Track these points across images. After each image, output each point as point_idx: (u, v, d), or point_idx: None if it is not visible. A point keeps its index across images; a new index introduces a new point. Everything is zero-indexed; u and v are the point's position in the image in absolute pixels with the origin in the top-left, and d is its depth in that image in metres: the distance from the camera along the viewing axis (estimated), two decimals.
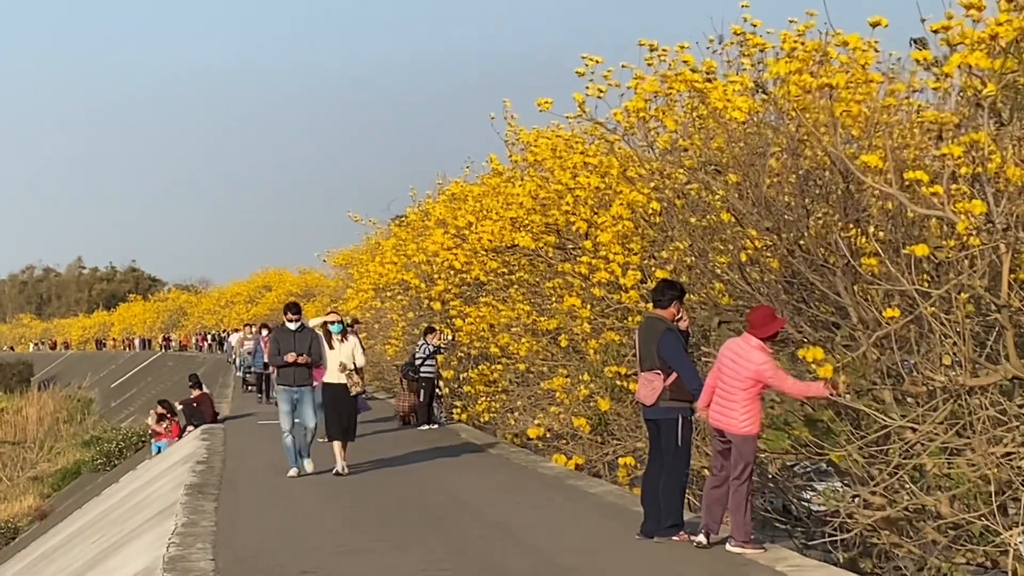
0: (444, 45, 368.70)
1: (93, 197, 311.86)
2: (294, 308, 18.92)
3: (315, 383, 25.40)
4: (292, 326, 18.53)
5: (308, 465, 18.46)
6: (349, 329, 19.48)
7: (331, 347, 18.51)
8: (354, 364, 18.64)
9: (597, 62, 16.70)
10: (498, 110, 22.30)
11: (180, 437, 31.02)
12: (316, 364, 18.55)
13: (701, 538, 11.84)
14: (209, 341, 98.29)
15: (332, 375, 18.55)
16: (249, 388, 39.70)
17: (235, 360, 48.65)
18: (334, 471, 18.22)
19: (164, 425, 32.30)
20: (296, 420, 18.37)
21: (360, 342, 19.89)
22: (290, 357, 18.14)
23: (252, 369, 39.00)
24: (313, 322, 19.04)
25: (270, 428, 26.96)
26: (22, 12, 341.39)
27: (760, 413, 11.82)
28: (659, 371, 12.22)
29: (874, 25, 12.79)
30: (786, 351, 14.30)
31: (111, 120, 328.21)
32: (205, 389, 32.09)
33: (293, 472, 18.26)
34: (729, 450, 11.66)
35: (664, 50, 16.36)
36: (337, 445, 18.45)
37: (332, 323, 18.82)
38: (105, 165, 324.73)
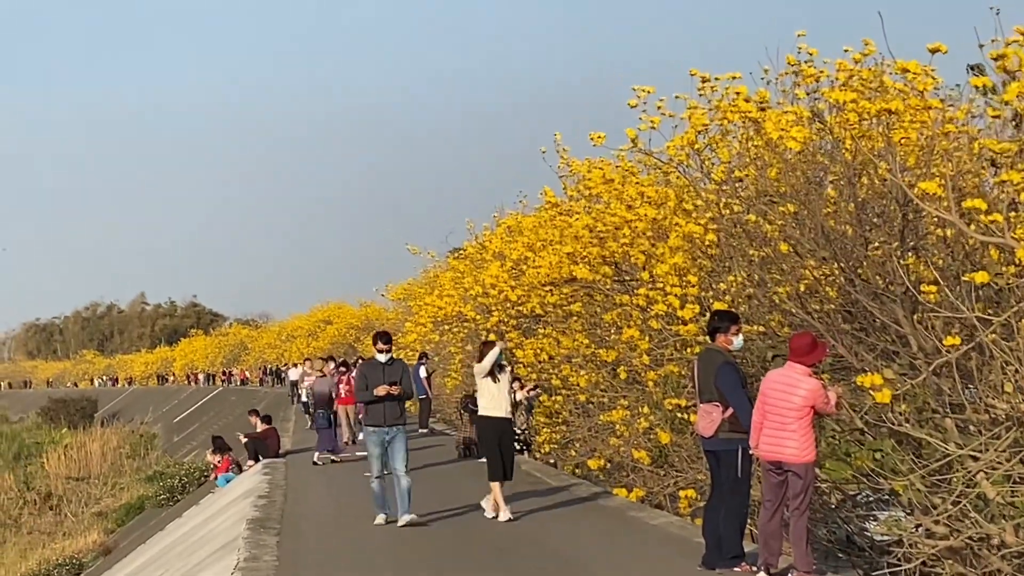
0: (499, 73, 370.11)
1: (155, 234, 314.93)
2: (385, 338, 17.03)
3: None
4: (382, 358, 16.72)
5: (405, 519, 16.32)
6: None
7: (495, 379, 16.78)
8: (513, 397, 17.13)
9: (648, 92, 16.71)
10: (557, 134, 22.41)
11: (228, 471, 31.52)
12: (408, 398, 16.91)
13: (762, 575, 11.78)
14: (268, 375, 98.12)
15: (496, 407, 16.82)
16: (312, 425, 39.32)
17: (299, 395, 48.54)
18: (495, 516, 16.72)
19: (217, 459, 32.71)
20: (386, 471, 16.67)
21: None
22: (381, 390, 16.33)
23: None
24: (494, 354, 16.79)
25: (331, 462, 27.14)
26: (63, 48, 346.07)
27: (815, 439, 11.79)
28: (717, 403, 12.23)
29: (934, 52, 12.76)
30: (846, 381, 14.24)
31: (171, 155, 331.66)
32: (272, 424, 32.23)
33: (380, 519, 16.62)
34: (783, 482, 11.61)
35: (718, 78, 16.37)
36: (497, 487, 16.74)
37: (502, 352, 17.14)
38: (166, 201, 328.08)
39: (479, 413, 17.27)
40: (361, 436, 26.45)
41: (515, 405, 17.45)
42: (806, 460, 11.55)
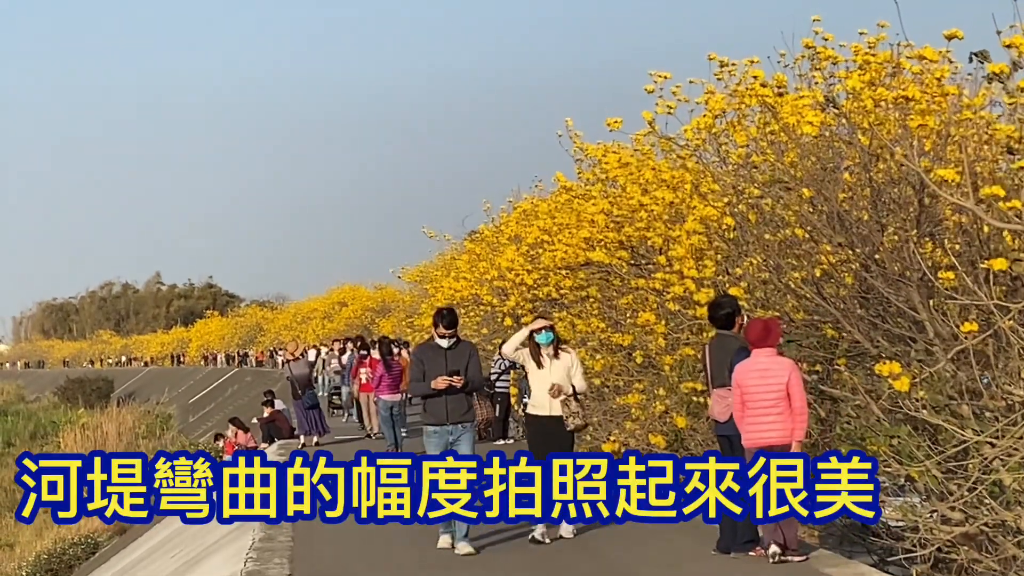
0: (517, 58, 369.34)
1: (171, 214, 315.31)
2: (449, 319, 13.79)
3: (392, 395, 24.75)
4: (444, 343, 13.68)
5: (464, 548, 13.26)
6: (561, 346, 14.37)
7: (539, 365, 13.94)
8: (572, 388, 13.91)
9: (666, 78, 16.72)
10: (569, 120, 22.44)
11: (234, 456, 31.87)
12: (475, 390, 14.19)
13: (774, 549, 11.87)
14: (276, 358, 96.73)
15: (541, 404, 13.99)
16: (335, 411, 38.62)
17: (318, 379, 47.94)
18: (530, 536, 13.70)
19: (221, 443, 33.15)
20: None
21: (578, 359, 14.52)
22: (440, 382, 13.37)
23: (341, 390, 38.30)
24: (520, 335, 14.29)
25: (344, 440, 27.25)
26: (84, 27, 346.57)
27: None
28: (731, 388, 12.29)
29: (950, 38, 12.73)
30: (862, 366, 14.25)
31: (188, 136, 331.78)
32: (279, 406, 32.41)
33: (445, 541, 13.48)
34: None
35: (734, 63, 16.35)
36: None
37: (538, 331, 14.00)
38: (183, 181, 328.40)
39: (527, 411, 14.62)
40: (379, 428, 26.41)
41: (575, 396, 13.97)
42: (800, 438, 11.83)
